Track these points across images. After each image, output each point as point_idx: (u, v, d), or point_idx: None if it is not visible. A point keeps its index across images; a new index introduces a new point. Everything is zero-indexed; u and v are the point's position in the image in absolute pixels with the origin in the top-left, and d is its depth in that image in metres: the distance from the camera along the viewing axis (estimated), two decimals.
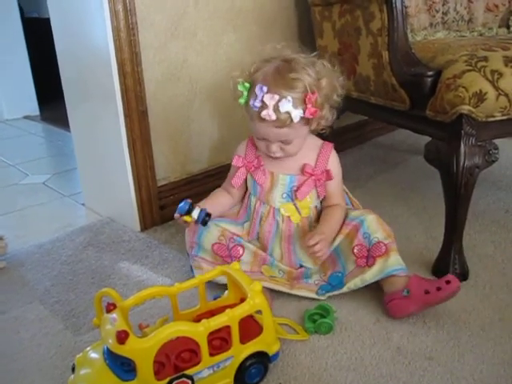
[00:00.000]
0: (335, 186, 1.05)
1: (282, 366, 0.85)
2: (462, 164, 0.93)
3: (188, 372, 0.74)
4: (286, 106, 0.90)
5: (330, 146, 1.05)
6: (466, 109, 0.91)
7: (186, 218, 0.97)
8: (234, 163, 1.05)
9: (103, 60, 1.22)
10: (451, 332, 0.91)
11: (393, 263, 0.95)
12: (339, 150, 1.07)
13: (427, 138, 1.06)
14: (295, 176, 1.02)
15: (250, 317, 0.81)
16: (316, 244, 0.93)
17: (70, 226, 1.40)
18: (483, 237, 1.20)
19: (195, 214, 0.96)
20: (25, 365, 0.87)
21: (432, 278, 0.99)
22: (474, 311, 0.96)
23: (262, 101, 0.91)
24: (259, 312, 0.80)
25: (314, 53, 1.01)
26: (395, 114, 1.14)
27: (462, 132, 0.94)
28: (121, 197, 1.37)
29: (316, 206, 1.05)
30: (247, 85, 0.95)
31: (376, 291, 0.99)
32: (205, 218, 0.97)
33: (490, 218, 1.29)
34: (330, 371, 0.83)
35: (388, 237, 0.98)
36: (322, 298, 0.99)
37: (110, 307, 0.76)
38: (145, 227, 1.36)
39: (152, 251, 1.24)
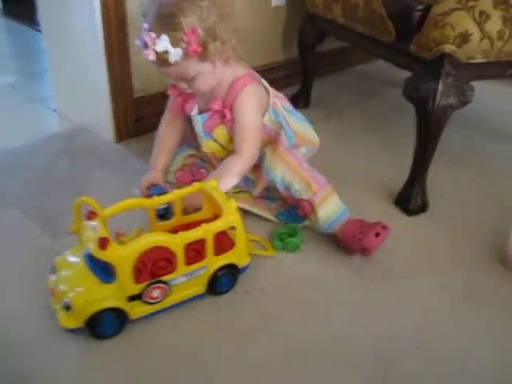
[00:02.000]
0: (239, 131, 0.98)
1: (249, 277, 0.92)
2: (437, 102, 0.96)
3: (164, 278, 0.79)
4: (163, 45, 0.84)
5: (242, 81, 0.97)
6: (449, 48, 0.93)
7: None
8: (169, 92, 1.03)
9: None
10: (407, 257, 1.00)
11: (327, 216, 0.98)
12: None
13: (407, 73, 1.08)
14: (205, 114, 1.00)
15: (224, 232, 0.86)
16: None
17: (42, 132, 1.38)
18: (446, 174, 1.27)
19: (160, 207, 0.94)
20: (5, 267, 0.91)
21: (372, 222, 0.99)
22: (430, 238, 1.05)
23: (143, 38, 0.86)
24: (233, 228, 0.85)
25: None
26: (379, 46, 1.15)
27: (442, 71, 0.96)
28: (96, 105, 1.34)
29: None
30: (140, 19, 0.89)
31: None
32: (165, 215, 0.95)
33: (454, 157, 1.36)
34: (293, 284, 0.92)
35: (307, 188, 0.98)
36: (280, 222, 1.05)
37: (91, 215, 0.79)
38: (120, 138, 1.36)
39: (127, 163, 1.25)
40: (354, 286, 0.92)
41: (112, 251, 0.73)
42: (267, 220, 1.06)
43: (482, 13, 0.91)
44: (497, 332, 0.84)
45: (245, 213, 1.04)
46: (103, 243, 0.72)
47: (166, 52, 0.84)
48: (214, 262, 0.84)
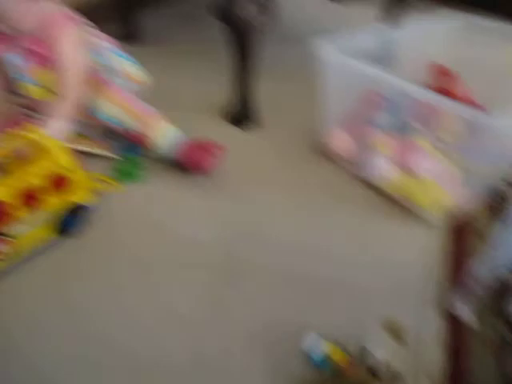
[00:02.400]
0: (61, 73, 0.97)
1: (101, 214, 0.95)
2: (241, 16, 1.04)
3: (2, 231, 0.79)
4: None
5: (59, 21, 0.96)
6: None
7: None
8: None
9: None
10: (242, 168, 1.10)
11: (163, 143, 1.04)
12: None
13: None
14: (20, 54, 0.98)
15: (62, 174, 0.87)
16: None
17: None
18: (271, 86, 1.36)
19: None
20: None
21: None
22: (261, 148, 1.16)
23: None
24: (67, 169, 0.86)
25: None
26: None
27: None
28: None
29: None
30: None
31: None
32: None
33: (275, 69, 1.45)
34: (141, 210, 0.98)
35: (141, 122, 1.03)
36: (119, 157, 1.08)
37: None
38: None
39: None
40: (198, 201, 1.01)
41: None
42: (109, 158, 1.08)
43: None
44: (318, 210, 1.00)
45: (86, 155, 1.04)
46: None
47: None
48: (55, 205, 0.86)
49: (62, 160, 0.85)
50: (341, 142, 1.10)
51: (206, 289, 0.81)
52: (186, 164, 1.05)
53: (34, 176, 0.81)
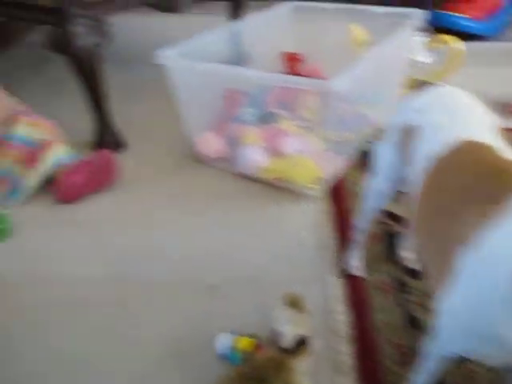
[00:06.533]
0: None
1: None
2: (77, 44, 1.01)
3: None
4: None
5: None
6: None
7: None
8: None
9: None
10: (117, 193, 1.07)
11: (60, 153, 1.04)
12: None
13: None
14: None
15: None
16: None
17: None
18: (127, 107, 1.35)
19: None
20: None
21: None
22: (138, 167, 1.14)
23: None
24: None
25: None
26: (6, 7, 1.11)
27: (71, 14, 0.99)
28: None
29: None
30: None
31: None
32: None
33: (128, 89, 1.46)
34: (20, 265, 0.90)
35: (49, 134, 1.04)
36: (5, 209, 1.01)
37: None
38: None
39: None
40: (78, 238, 0.95)
41: None
42: None
43: None
44: (206, 213, 1.00)
45: None
46: None
47: None
48: None
49: None
50: (210, 143, 1.11)
51: (104, 321, 0.77)
52: (62, 184, 1.02)
53: None
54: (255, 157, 1.06)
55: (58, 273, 0.87)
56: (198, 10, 1.39)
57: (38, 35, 1.93)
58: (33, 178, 1.03)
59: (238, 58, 1.32)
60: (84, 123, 1.25)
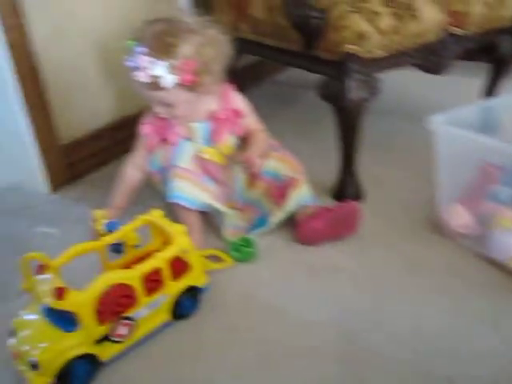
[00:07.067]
0: (253, 122, 1.12)
1: (213, 294, 0.94)
2: (349, 97, 1.04)
3: (127, 314, 0.80)
4: (159, 70, 0.92)
5: (228, 87, 1.09)
6: (350, 48, 1.01)
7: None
8: (144, 131, 1.07)
9: None
10: (351, 245, 1.06)
11: (304, 194, 1.08)
12: (238, 91, 1.12)
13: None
14: (207, 123, 1.06)
15: (178, 256, 0.88)
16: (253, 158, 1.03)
17: None
18: (371, 160, 1.35)
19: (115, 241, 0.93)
20: None
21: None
22: (369, 222, 1.12)
23: (138, 61, 0.93)
24: (185, 251, 0.87)
25: (207, 18, 1.01)
26: (289, 55, 1.21)
27: (349, 69, 1.04)
28: (21, 162, 1.31)
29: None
30: (131, 43, 0.95)
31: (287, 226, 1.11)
32: (119, 249, 0.94)
33: (374, 142, 1.45)
34: (254, 290, 0.95)
35: (296, 172, 1.09)
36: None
37: (41, 269, 0.79)
38: (55, 188, 1.34)
39: (67, 211, 1.24)
40: (308, 279, 0.97)
41: (71, 299, 0.73)
42: (218, 232, 1.10)
43: (372, 12, 1.01)
44: (444, 293, 0.92)
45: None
46: (60, 293, 0.72)
47: (161, 77, 0.92)
48: (173, 288, 0.86)
49: (183, 244, 0.86)
50: (460, 216, 1.03)
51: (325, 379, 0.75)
52: (303, 227, 1.05)
53: (159, 260, 0.82)
54: (510, 243, 0.95)
55: (280, 308, 0.90)
56: (455, 69, 1.32)
57: (282, 75, 2.13)
58: (278, 215, 1.09)
59: (490, 130, 1.22)
60: (324, 167, 1.30)
